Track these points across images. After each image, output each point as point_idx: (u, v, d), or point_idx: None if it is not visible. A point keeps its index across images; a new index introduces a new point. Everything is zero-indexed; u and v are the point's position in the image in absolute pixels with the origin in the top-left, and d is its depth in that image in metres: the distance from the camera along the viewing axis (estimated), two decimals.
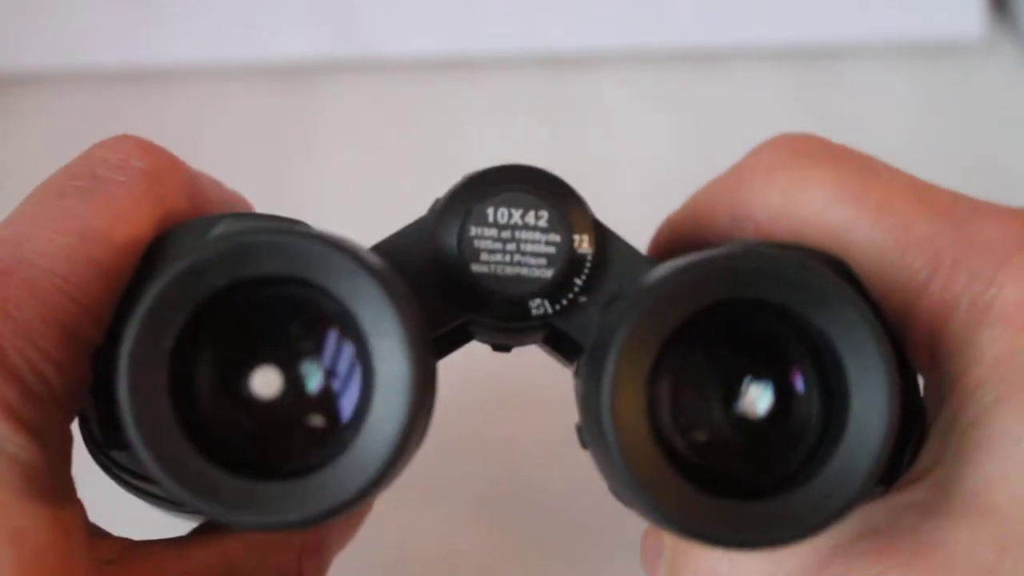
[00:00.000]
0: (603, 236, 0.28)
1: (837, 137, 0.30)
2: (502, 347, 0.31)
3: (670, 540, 0.29)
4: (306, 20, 0.59)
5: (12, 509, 0.24)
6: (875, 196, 0.28)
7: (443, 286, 0.28)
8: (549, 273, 0.27)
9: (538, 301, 0.27)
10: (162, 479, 0.24)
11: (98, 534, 0.28)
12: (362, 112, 0.58)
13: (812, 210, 0.28)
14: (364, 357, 0.24)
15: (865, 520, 0.26)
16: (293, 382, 0.25)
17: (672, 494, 0.24)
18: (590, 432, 0.27)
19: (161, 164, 0.28)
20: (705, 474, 0.25)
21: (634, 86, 0.58)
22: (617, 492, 0.27)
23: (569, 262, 0.27)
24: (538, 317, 0.28)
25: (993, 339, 0.26)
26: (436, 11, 0.59)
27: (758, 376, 0.26)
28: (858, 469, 0.24)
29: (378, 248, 0.28)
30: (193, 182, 0.29)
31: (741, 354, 0.26)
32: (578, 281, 0.28)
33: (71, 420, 0.27)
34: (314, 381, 0.25)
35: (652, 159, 0.56)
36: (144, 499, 0.30)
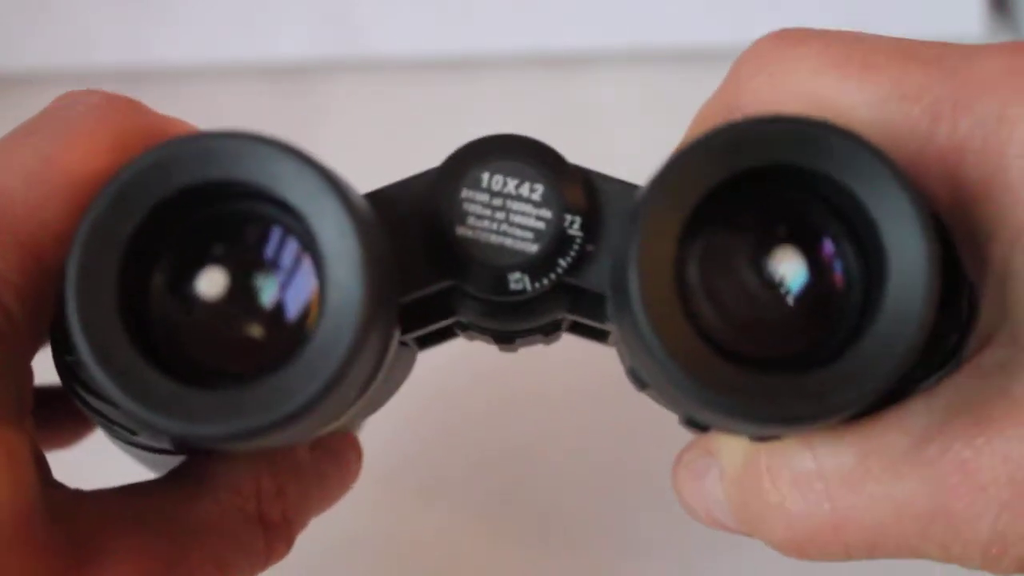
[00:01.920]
0: (591, 180, 0.28)
1: None
2: (506, 341, 0.30)
3: (739, 447, 0.28)
4: (306, 20, 0.59)
5: None
6: (858, 58, 0.27)
7: (427, 246, 0.27)
8: (534, 248, 0.27)
9: (518, 275, 0.27)
10: (100, 378, 0.23)
11: (51, 483, 0.27)
12: (362, 112, 0.58)
13: (799, 84, 0.28)
14: (313, 254, 0.24)
15: (950, 396, 0.25)
16: (241, 285, 0.25)
17: (711, 373, 0.23)
18: (629, 344, 0.25)
19: (111, 96, 0.28)
20: (746, 355, 0.24)
21: (634, 86, 0.58)
22: (663, 391, 0.26)
23: (556, 241, 0.27)
24: (516, 292, 0.27)
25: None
26: (436, 11, 0.59)
27: (788, 245, 0.25)
28: (903, 330, 0.23)
29: (371, 196, 0.28)
30: (157, 117, 0.29)
31: (768, 229, 0.25)
32: (562, 262, 0.27)
33: (34, 352, 0.27)
34: (265, 286, 0.25)
35: (652, 159, 0.56)
36: (122, 441, 0.29)
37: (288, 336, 0.25)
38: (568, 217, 0.27)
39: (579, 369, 0.47)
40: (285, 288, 0.25)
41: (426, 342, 0.31)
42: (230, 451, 0.29)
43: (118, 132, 0.27)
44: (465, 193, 0.27)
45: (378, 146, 0.57)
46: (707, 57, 0.59)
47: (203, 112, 0.58)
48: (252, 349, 0.25)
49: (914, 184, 0.24)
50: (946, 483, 0.25)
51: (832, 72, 0.27)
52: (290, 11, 0.59)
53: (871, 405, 0.25)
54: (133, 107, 0.28)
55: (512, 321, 0.29)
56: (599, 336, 0.31)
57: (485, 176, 0.27)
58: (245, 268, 0.25)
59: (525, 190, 0.27)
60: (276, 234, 0.25)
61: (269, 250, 0.25)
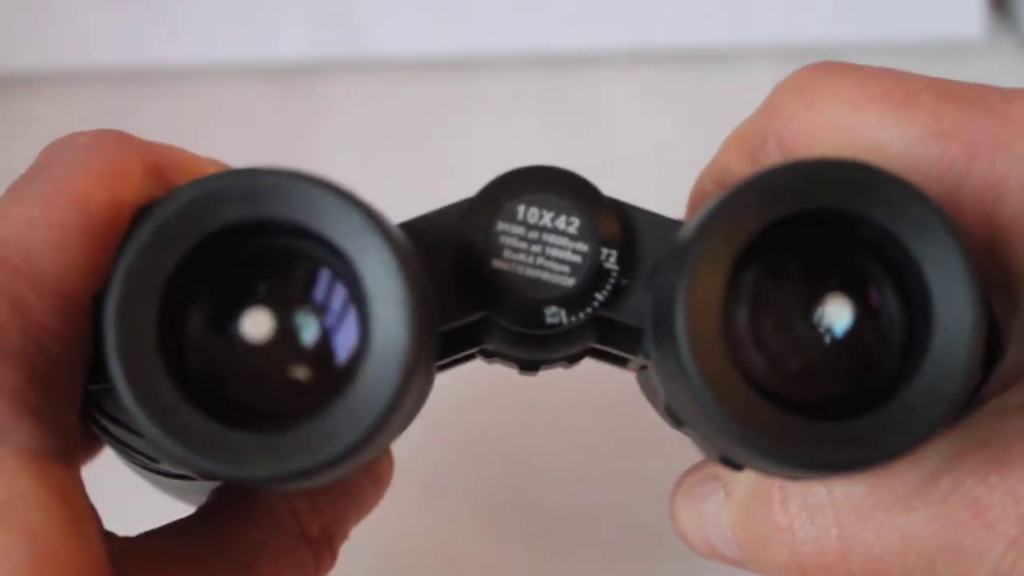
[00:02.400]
0: (625, 212, 0.28)
1: None
2: (528, 367, 0.30)
3: (743, 478, 0.28)
4: (306, 20, 0.59)
5: (22, 503, 0.23)
6: (899, 93, 0.27)
7: (461, 278, 0.27)
8: (571, 282, 0.27)
9: (554, 309, 0.27)
10: (140, 421, 0.23)
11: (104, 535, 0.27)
12: (362, 112, 0.58)
13: (836, 117, 0.27)
14: (359, 296, 0.24)
15: (968, 433, 0.25)
16: (286, 327, 0.25)
17: (756, 418, 0.23)
18: (669, 382, 0.25)
19: (100, 133, 0.28)
20: (789, 399, 0.24)
21: (634, 86, 0.58)
22: (704, 432, 0.26)
23: (593, 275, 0.27)
24: (550, 326, 0.27)
25: None
26: (436, 11, 0.59)
27: (835, 290, 0.25)
28: (950, 376, 0.23)
29: (404, 226, 0.28)
30: (148, 143, 0.29)
31: (814, 274, 0.25)
32: (599, 296, 0.27)
33: (78, 400, 0.27)
34: (308, 327, 0.25)
35: (652, 159, 0.56)
36: (139, 467, 0.29)
37: (332, 377, 0.24)
38: (604, 251, 0.27)
39: (584, 375, 0.47)
40: (329, 328, 0.25)
41: (446, 365, 0.31)
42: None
43: (113, 160, 0.27)
44: (501, 226, 0.27)
45: (378, 146, 0.57)
46: (707, 57, 0.59)
47: (203, 112, 0.58)
48: (294, 390, 0.25)
49: (961, 231, 0.24)
50: (955, 519, 0.25)
51: (870, 106, 0.27)
52: (290, 11, 0.59)
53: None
54: (122, 137, 0.29)
55: (541, 351, 0.29)
56: (619, 362, 0.31)
57: (520, 209, 0.27)
58: (288, 308, 0.25)
59: (561, 223, 0.27)
60: (321, 274, 0.25)
61: (313, 290, 0.25)
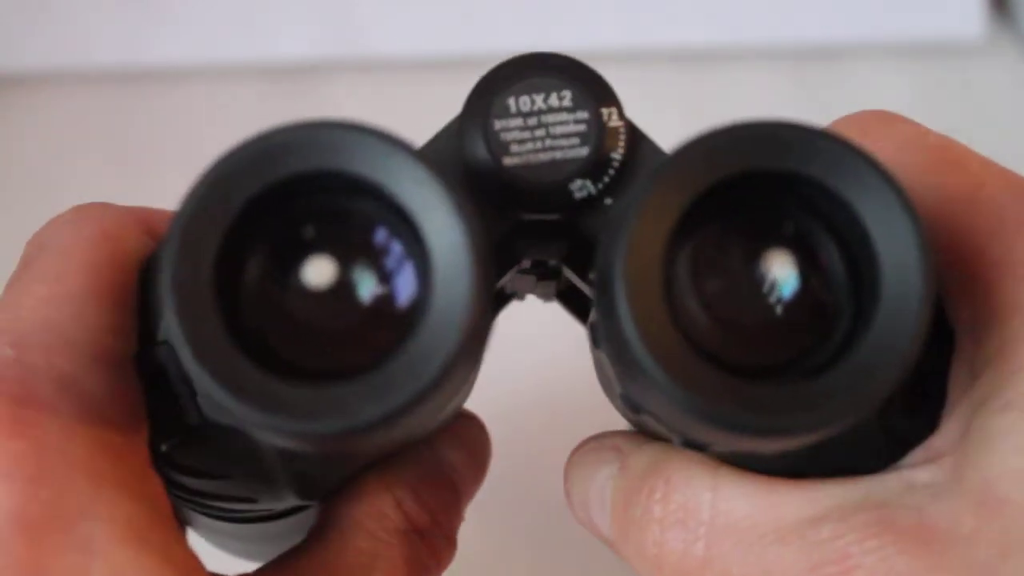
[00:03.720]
0: (635, 138, 0.27)
1: None
2: (546, 275, 0.29)
3: (644, 456, 0.28)
4: (306, 20, 0.59)
5: (128, 574, 0.23)
6: (954, 153, 0.27)
7: (479, 191, 0.26)
8: (585, 151, 0.26)
9: (579, 182, 0.26)
10: (220, 396, 0.22)
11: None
12: (363, 112, 0.58)
13: (885, 150, 0.27)
14: (418, 241, 0.23)
15: (868, 491, 0.25)
16: (346, 274, 0.24)
17: (691, 373, 0.22)
18: (603, 315, 0.25)
19: (77, 207, 0.28)
20: (735, 364, 0.24)
21: (634, 86, 0.58)
22: (628, 389, 0.26)
23: (602, 136, 0.26)
24: (582, 200, 0.26)
25: None
26: (437, 11, 0.59)
27: (780, 250, 0.24)
28: (894, 347, 0.22)
29: None
30: (137, 208, 0.29)
31: (758, 236, 0.24)
32: (615, 155, 0.26)
33: (147, 456, 0.26)
34: (368, 270, 0.24)
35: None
36: (202, 510, 0.29)
37: (398, 324, 0.24)
38: (604, 111, 0.26)
39: (586, 373, 0.47)
40: (392, 274, 0.24)
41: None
42: (348, 453, 0.28)
43: (103, 225, 0.27)
44: (498, 124, 0.26)
45: None
46: (707, 57, 0.59)
47: (203, 112, 0.58)
48: (357, 341, 0.24)
49: (904, 188, 0.23)
50: (822, 567, 0.24)
51: (921, 153, 0.27)
52: (290, 11, 0.59)
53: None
54: (104, 205, 0.28)
55: (568, 235, 0.28)
56: (583, 314, 0.30)
57: (511, 101, 0.26)
58: (349, 257, 0.24)
59: (554, 100, 0.26)
60: (380, 221, 0.24)
61: (373, 239, 0.24)
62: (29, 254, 0.27)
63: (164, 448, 0.26)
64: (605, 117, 0.26)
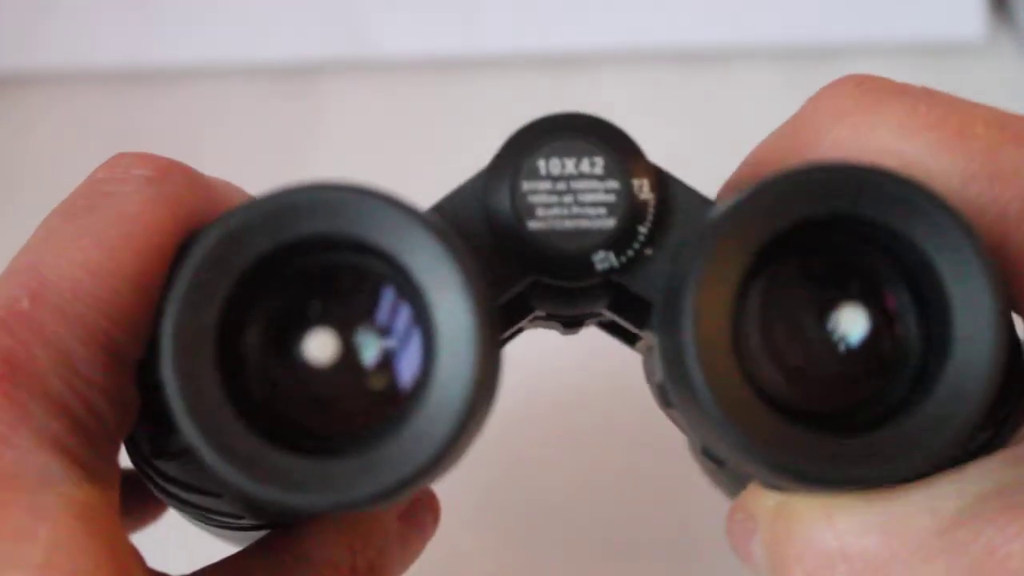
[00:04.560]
0: (664, 181, 0.26)
1: None
2: (570, 323, 0.29)
3: (768, 512, 0.27)
4: (308, 20, 0.59)
5: (71, 551, 0.23)
6: (954, 121, 0.26)
7: (500, 249, 0.26)
8: (611, 223, 0.25)
9: (602, 254, 0.25)
10: (213, 462, 0.22)
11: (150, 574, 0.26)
12: (364, 112, 0.58)
13: (886, 141, 0.26)
14: (424, 317, 0.23)
15: (985, 479, 0.24)
16: (349, 348, 0.24)
17: (765, 429, 0.22)
18: (673, 379, 0.24)
19: (162, 165, 0.27)
20: (801, 411, 0.23)
21: (634, 86, 0.58)
22: (707, 444, 0.25)
23: (631, 209, 0.25)
24: (603, 272, 0.26)
25: None
26: (438, 11, 0.59)
27: (851, 298, 0.24)
28: (968, 392, 0.22)
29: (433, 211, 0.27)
30: (203, 179, 0.28)
31: (830, 280, 0.24)
32: (642, 229, 0.26)
33: (119, 450, 0.26)
34: (372, 346, 0.24)
35: (652, 159, 0.56)
36: (191, 515, 0.29)
37: (395, 401, 0.24)
38: (635, 182, 0.26)
39: (588, 374, 0.47)
40: (393, 350, 0.24)
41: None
42: (325, 519, 0.28)
43: (176, 208, 0.26)
44: (526, 186, 0.26)
45: (378, 146, 0.57)
46: (707, 57, 0.59)
47: (203, 112, 0.58)
48: (357, 414, 0.24)
49: (980, 237, 0.23)
50: (977, 570, 0.24)
51: (923, 134, 0.26)
52: (290, 11, 0.59)
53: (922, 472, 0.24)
54: (186, 175, 0.27)
55: (587, 302, 0.27)
56: (630, 340, 0.30)
57: (541, 163, 0.26)
58: (352, 329, 0.24)
59: (586, 166, 0.26)
60: (386, 293, 0.24)
61: (376, 310, 0.24)
62: (97, 190, 0.26)
63: (152, 457, 0.26)
64: (636, 188, 0.26)
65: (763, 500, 0.27)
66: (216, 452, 0.22)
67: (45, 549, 0.23)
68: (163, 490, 0.27)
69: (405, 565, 0.31)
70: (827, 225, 0.23)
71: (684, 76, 0.59)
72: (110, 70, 0.58)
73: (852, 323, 0.24)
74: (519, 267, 0.26)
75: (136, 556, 0.25)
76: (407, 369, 0.24)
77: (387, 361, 0.24)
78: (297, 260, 0.23)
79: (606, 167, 0.26)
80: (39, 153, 0.56)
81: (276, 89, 0.58)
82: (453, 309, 0.22)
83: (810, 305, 0.24)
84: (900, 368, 0.24)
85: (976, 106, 0.27)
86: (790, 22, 0.60)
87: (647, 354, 0.30)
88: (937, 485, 0.25)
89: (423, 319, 0.23)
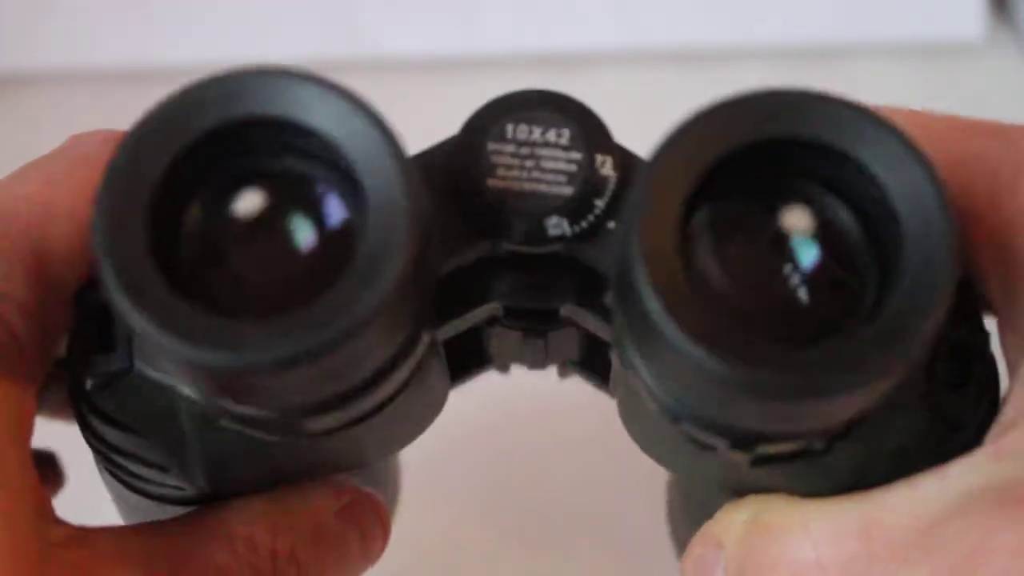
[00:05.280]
0: (630, 163, 0.27)
1: None
2: (533, 328, 0.28)
3: (739, 530, 0.26)
4: (308, 20, 0.59)
5: None
6: (915, 127, 0.25)
7: (460, 205, 0.26)
8: (568, 191, 0.26)
9: (555, 220, 0.26)
10: (134, 320, 0.22)
11: (51, 519, 0.26)
12: None
13: None
14: (354, 185, 0.23)
15: (971, 477, 0.24)
16: (277, 208, 0.24)
17: (724, 342, 0.22)
18: (630, 323, 0.24)
19: (118, 134, 0.27)
20: (758, 327, 0.23)
21: (634, 86, 0.58)
22: (671, 392, 0.25)
23: (590, 181, 0.26)
24: (555, 238, 0.26)
25: None
26: (438, 11, 0.59)
27: (800, 219, 0.24)
28: (923, 302, 0.22)
29: None
30: None
31: (777, 201, 0.24)
32: (599, 202, 0.26)
33: (39, 376, 0.26)
34: (300, 206, 0.24)
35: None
36: (113, 468, 0.29)
37: (330, 257, 0.24)
38: (599, 157, 0.26)
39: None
40: (324, 203, 0.24)
41: (458, 374, 0.30)
42: (253, 499, 0.28)
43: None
44: (491, 147, 0.26)
45: None
46: (707, 57, 0.59)
47: None
48: (294, 270, 0.24)
49: (932, 161, 0.23)
50: (962, 568, 0.23)
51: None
52: (290, 11, 0.59)
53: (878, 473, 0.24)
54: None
55: (546, 295, 0.27)
56: (603, 377, 0.30)
57: (509, 127, 0.26)
58: (282, 187, 0.24)
59: (552, 135, 0.26)
60: (314, 159, 0.24)
61: (310, 179, 0.24)
62: (57, 150, 0.28)
63: (88, 385, 0.26)
64: (598, 163, 0.26)
65: (733, 518, 0.27)
66: (128, 296, 0.22)
67: None
68: (96, 438, 0.27)
69: (343, 571, 0.30)
70: (772, 150, 0.23)
71: (684, 76, 0.59)
72: (110, 70, 0.58)
73: (802, 244, 0.24)
74: (475, 227, 0.26)
75: (32, 493, 0.25)
76: (336, 219, 0.24)
77: (319, 213, 0.24)
78: (226, 148, 0.24)
79: (571, 139, 0.26)
80: (39, 153, 0.56)
81: None
82: (380, 164, 0.23)
83: (760, 227, 0.24)
84: (855, 284, 0.24)
85: (938, 114, 0.26)
86: (790, 22, 0.60)
87: (618, 388, 0.30)
88: (917, 485, 0.24)
89: (353, 187, 0.23)
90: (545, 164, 0.26)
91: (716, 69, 0.59)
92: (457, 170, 0.26)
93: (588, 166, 0.26)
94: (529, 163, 0.26)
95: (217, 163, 0.24)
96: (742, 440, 0.25)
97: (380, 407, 0.26)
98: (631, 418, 0.30)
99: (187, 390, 0.25)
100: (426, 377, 0.27)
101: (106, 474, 0.29)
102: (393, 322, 0.23)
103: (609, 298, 0.25)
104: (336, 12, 0.59)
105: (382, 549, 0.32)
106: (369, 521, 0.31)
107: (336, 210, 0.24)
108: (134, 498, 0.29)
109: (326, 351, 0.22)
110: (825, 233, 0.24)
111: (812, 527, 0.25)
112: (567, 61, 0.59)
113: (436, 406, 0.31)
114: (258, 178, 0.24)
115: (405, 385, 0.26)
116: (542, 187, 0.26)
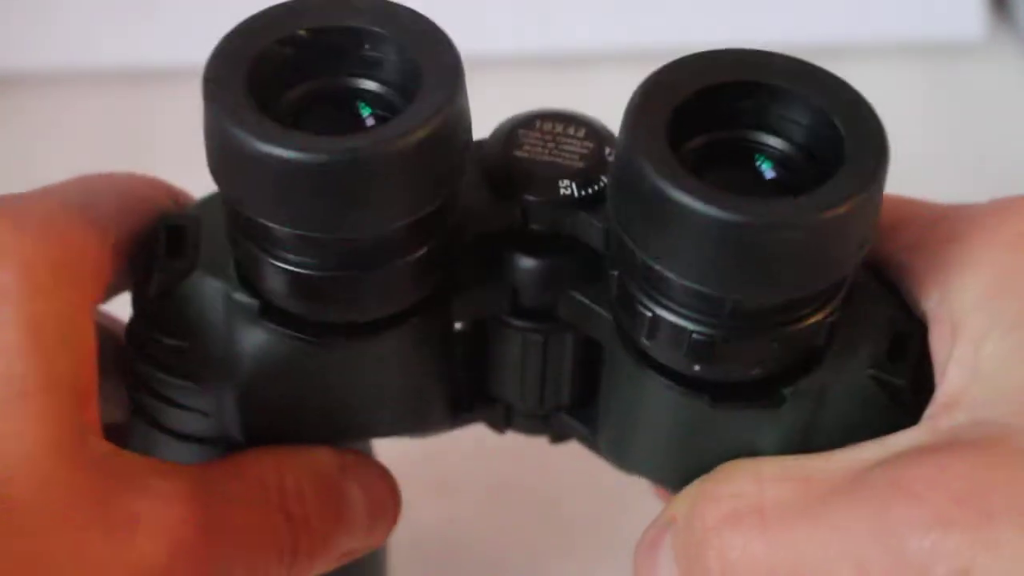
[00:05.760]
0: None
1: None
2: (533, 331, 0.32)
3: (694, 486, 0.29)
4: None
5: (9, 351, 0.26)
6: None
7: (489, 173, 0.31)
8: (580, 165, 0.31)
9: (567, 182, 0.31)
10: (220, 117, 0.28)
11: (97, 433, 0.28)
12: None
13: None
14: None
15: (907, 441, 0.26)
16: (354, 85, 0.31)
17: (718, 196, 0.26)
18: (628, 213, 0.28)
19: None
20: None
21: (634, 86, 0.58)
22: (648, 244, 0.28)
23: (599, 163, 0.31)
24: (565, 196, 0.31)
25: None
26: (438, 11, 0.59)
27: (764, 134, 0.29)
28: (872, 150, 0.27)
29: None
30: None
31: (746, 123, 0.29)
32: (603, 178, 0.31)
33: (100, 298, 0.30)
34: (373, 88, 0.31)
35: None
36: (147, 402, 0.31)
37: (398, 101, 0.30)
38: (608, 149, 0.31)
39: None
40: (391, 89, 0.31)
41: (458, 408, 0.34)
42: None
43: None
44: (520, 132, 0.32)
45: None
46: None
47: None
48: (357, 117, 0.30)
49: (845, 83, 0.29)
50: (878, 498, 0.25)
51: None
52: None
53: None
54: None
55: (553, 277, 0.31)
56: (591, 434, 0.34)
57: (537, 122, 0.32)
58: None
59: (572, 131, 0.32)
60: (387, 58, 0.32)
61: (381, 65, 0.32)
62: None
63: (152, 290, 0.30)
64: (607, 152, 0.31)
65: (685, 491, 0.29)
66: (219, 106, 0.29)
67: None
68: (144, 358, 0.31)
69: (348, 529, 0.32)
70: (735, 91, 0.29)
71: None
72: (110, 70, 0.58)
73: (766, 151, 0.29)
74: (500, 193, 0.31)
75: (79, 381, 0.28)
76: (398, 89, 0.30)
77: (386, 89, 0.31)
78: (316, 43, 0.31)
79: (587, 135, 0.32)
80: (39, 153, 0.56)
81: None
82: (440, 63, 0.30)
83: (730, 142, 0.29)
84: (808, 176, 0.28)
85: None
86: (791, 22, 0.60)
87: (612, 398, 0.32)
88: (860, 447, 0.27)
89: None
90: (563, 147, 0.32)
91: None
92: (489, 147, 0.32)
93: (598, 153, 0.31)
94: (550, 145, 0.32)
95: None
96: (708, 302, 0.28)
97: (395, 320, 0.30)
98: (623, 424, 0.32)
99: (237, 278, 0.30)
100: (434, 341, 0.32)
101: (135, 429, 0.32)
102: (418, 188, 0.28)
103: (608, 262, 0.30)
104: None
105: (392, 521, 0.33)
106: (375, 486, 0.33)
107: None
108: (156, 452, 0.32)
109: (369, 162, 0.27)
110: (783, 144, 0.29)
111: (763, 469, 0.28)
112: (567, 61, 0.59)
113: (434, 403, 0.33)
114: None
115: (416, 312, 0.30)
116: (558, 160, 0.31)
